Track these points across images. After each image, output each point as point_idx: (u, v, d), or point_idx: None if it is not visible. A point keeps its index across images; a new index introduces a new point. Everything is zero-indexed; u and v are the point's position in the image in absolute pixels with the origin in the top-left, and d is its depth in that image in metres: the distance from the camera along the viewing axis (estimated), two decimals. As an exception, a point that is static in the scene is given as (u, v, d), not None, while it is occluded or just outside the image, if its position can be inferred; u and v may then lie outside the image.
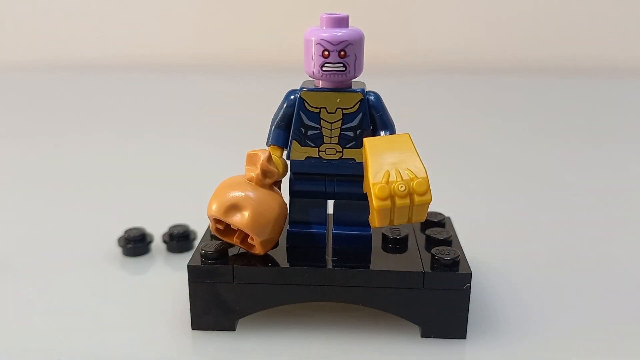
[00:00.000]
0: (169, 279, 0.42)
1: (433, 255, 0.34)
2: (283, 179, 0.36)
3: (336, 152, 0.35)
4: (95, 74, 1.25)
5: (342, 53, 0.33)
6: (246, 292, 0.34)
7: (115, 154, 0.74)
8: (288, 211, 0.36)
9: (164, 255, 0.45)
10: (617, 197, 0.60)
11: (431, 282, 0.34)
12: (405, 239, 0.37)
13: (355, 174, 0.35)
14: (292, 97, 0.35)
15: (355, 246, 0.36)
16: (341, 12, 0.33)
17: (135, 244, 0.45)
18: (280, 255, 0.35)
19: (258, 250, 0.34)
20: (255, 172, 0.34)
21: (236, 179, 0.34)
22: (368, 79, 0.37)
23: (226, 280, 0.34)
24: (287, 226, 0.37)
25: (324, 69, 0.33)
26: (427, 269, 0.34)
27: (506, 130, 0.87)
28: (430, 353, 0.34)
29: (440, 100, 1.06)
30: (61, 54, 1.31)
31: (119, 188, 0.61)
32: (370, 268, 0.34)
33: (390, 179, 0.30)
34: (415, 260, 0.35)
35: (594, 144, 0.80)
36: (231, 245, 0.36)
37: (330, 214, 0.38)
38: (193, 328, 0.35)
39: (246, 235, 0.35)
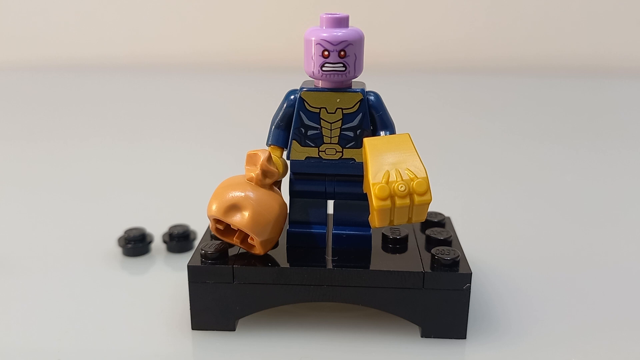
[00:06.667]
0: (169, 279, 0.42)
1: (433, 255, 0.34)
2: (283, 179, 0.36)
3: (336, 152, 0.35)
4: (96, 74, 1.25)
5: (342, 53, 0.33)
6: (246, 292, 0.34)
7: (115, 154, 0.74)
8: (288, 211, 0.36)
9: (164, 255, 0.45)
10: (618, 197, 0.60)
11: (431, 282, 0.34)
12: (405, 239, 0.37)
13: (355, 174, 0.35)
14: (292, 97, 0.35)
15: (355, 246, 0.36)
16: (341, 12, 0.33)
17: (135, 244, 0.45)
18: (280, 255, 0.35)
19: (258, 250, 0.34)
20: (255, 172, 0.34)
21: (236, 179, 0.34)
22: (368, 79, 0.37)
23: (226, 280, 0.34)
24: (287, 226, 0.37)
25: (324, 69, 0.33)
26: (427, 269, 0.34)
27: (506, 130, 0.87)
28: (430, 353, 0.34)
29: (441, 100, 1.06)
30: (61, 54, 1.31)
31: (119, 188, 0.61)
32: (370, 268, 0.34)
33: (390, 179, 0.30)
34: (415, 260, 0.35)
35: (594, 143, 0.80)
36: (231, 245, 0.36)
37: (330, 214, 0.38)
38: (193, 328, 0.35)
39: (246, 235, 0.35)
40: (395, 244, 0.37)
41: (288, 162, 0.36)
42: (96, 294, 0.40)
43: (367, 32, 0.34)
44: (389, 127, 0.34)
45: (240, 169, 0.35)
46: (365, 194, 0.32)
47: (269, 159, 0.34)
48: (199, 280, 0.34)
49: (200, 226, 0.47)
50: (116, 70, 1.27)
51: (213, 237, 0.37)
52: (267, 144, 0.36)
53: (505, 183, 0.64)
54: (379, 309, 0.35)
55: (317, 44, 0.33)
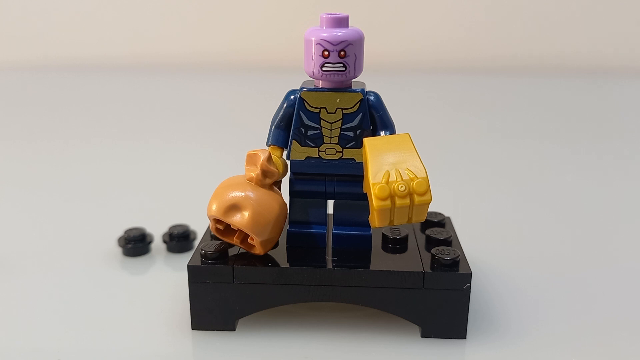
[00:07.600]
0: (169, 279, 0.42)
1: (433, 255, 0.34)
2: (283, 179, 0.36)
3: (336, 152, 0.35)
4: (96, 74, 1.25)
5: (342, 53, 0.33)
6: (246, 292, 0.34)
7: (115, 154, 0.74)
8: (288, 211, 0.36)
9: (164, 255, 0.45)
10: (617, 197, 0.60)
11: (431, 282, 0.34)
12: (405, 239, 0.37)
13: (355, 174, 0.35)
14: (292, 97, 0.35)
15: (355, 246, 0.36)
16: (341, 12, 0.33)
17: (135, 244, 0.45)
18: (280, 255, 0.35)
19: (258, 250, 0.34)
20: (255, 172, 0.34)
21: (236, 179, 0.34)
22: (368, 79, 0.37)
23: (226, 280, 0.34)
24: (287, 226, 0.37)
25: (324, 69, 0.33)
26: (427, 269, 0.34)
27: (506, 130, 0.87)
28: (430, 353, 0.34)
29: (440, 100, 1.06)
30: (61, 54, 1.31)
31: (119, 188, 0.61)
32: (370, 268, 0.34)
33: (390, 179, 0.30)
34: (415, 260, 0.35)
35: (594, 143, 0.80)
36: (231, 245, 0.36)
37: (330, 214, 0.38)
38: (193, 328, 0.35)
39: (246, 235, 0.35)
40: (395, 244, 0.37)
41: (288, 162, 0.36)
42: (96, 294, 0.40)
43: (367, 32, 0.34)
44: (389, 127, 0.34)
45: (240, 169, 0.35)
46: (365, 194, 0.32)
47: (269, 159, 0.34)
48: (199, 280, 0.34)
49: (200, 226, 0.47)
50: (116, 70, 1.27)
51: (213, 237, 0.37)
52: (267, 144, 0.36)
53: (505, 183, 0.64)
54: (379, 309, 0.35)
55: (317, 44, 0.33)
